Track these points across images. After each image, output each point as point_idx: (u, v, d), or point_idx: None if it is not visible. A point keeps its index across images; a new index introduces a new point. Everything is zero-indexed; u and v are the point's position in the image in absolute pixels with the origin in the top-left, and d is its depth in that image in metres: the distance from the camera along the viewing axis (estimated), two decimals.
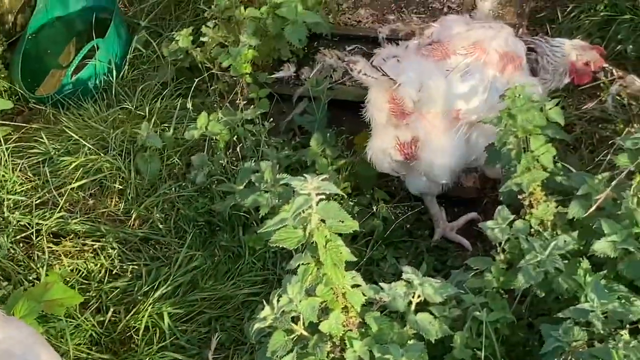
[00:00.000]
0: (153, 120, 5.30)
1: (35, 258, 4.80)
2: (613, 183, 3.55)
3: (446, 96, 4.23)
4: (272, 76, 5.21)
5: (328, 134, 4.78)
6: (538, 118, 3.63)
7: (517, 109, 3.62)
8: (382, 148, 4.39)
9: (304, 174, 3.22)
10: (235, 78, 5.18)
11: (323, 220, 3.20)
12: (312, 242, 3.22)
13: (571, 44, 4.42)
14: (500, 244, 3.57)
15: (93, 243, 4.88)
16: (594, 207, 3.53)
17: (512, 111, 3.62)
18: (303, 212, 3.16)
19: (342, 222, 3.22)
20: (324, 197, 3.17)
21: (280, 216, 3.22)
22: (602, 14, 5.37)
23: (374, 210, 4.64)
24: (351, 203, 4.61)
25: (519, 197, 3.66)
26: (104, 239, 4.88)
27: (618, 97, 4.58)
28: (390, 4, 5.50)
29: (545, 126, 3.73)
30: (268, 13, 5.14)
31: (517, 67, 4.30)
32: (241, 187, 4.36)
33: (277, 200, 4.08)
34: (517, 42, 4.35)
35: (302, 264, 3.26)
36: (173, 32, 5.67)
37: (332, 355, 3.35)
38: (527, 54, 4.38)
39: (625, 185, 3.58)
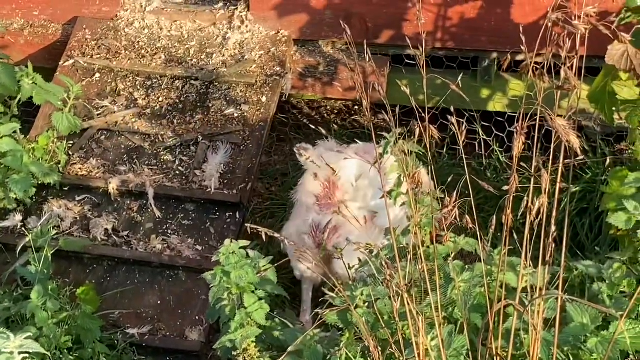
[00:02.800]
0: None
1: None
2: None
3: (372, 194, 4.56)
4: None
5: (50, 287, 4.68)
6: (251, 275, 3.71)
7: (230, 265, 3.68)
8: (299, 231, 4.74)
9: (20, 331, 3.13)
10: None
11: None
12: None
13: None
14: None
15: None
16: None
17: (226, 268, 3.68)
18: None
19: None
20: (27, 355, 3.08)
21: None
22: None
23: None
24: (71, 357, 4.49)
25: (234, 353, 3.69)
26: None
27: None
28: (122, 155, 5.52)
29: (261, 282, 3.81)
30: None
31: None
32: None
33: None
34: None
35: None
36: None
37: None
38: None
39: (337, 341, 3.70)
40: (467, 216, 2.83)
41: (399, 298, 2.92)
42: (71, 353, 4.55)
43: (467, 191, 3.08)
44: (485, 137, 5.84)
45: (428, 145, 2.86)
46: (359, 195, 4.73)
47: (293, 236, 4.73)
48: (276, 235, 2.81)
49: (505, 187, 2.65)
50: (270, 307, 3.87)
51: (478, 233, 2.91)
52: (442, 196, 3.47)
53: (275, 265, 3.95)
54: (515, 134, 2.50)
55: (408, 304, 2.86)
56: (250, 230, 2.96)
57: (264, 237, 2.87)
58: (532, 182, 2.57)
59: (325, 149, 4.88)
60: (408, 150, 3.42)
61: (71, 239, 5.09)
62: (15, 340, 3.04)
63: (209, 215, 5.26)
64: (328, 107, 6.71)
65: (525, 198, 2.56)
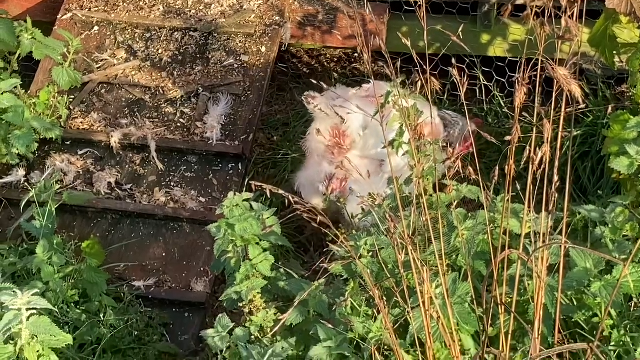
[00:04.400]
0: None
1: None
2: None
3: (378, 143, 4.55)
4: (0, 181, 5.10)
5: (55, 241, 4.70)
6: (255, 227, 3.72)
7: (235, 218, 3.70)
8: (311, 180, 4.80)
9: (27, 286, 3.16)
10: None
11: (35, 336, 3.14)
12: (24, 358, 3.14)
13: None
14: (221, 351, 3.61)
15: None
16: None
17: (230, 220, 3.70)
18: (13, 327, 3.09)
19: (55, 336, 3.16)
20: (34, 312, 3.11)
21: None
22: None
23: (102, 317, 4.57)
24: (78, 311, 4.52)
25: (240, 304, 3.72)
26: None
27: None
28: (123, 109, 5.51)
29: (265, 234, 3.83)
30: None
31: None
32: None
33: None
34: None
35: None
36: None
37: None
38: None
39: (342, 290, 3.72)
40: (470, 166, 2.84)
41: (403, 248, 2.93)
42: (78, 307, 4.58)
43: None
44: (485, 83, 5.83)
45: (429, 96, 2.85)
46: (366, 144, 4.75)
47: (306, 186, 4.77)
48: (280, 192, 2.82)
49: (508, 137, 2.65)
50: (275, 257, 3.89)
51: (481, 182, 2.92)
52: (445, 145, 3.49)
53: (280, 216, 3.97)
54: (516, 84, 2.50)
55: (412, 253, 2.88)
56: (255, 188, 2.96)
57: (268, 193, 2.87)
58: (534, 132, 2.57)
59: (332, 97, 4.88)
60: (409, 101, 3.42)
61: (75, 193, 5.10)
62: (22, 297, 3.06)
63: (212, 167, 5.27)
64: (328, 56, 6.68)
65: (528, 147, 2.57)
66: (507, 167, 2.64)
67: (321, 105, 4.78)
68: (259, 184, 2.79)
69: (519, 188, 2.81)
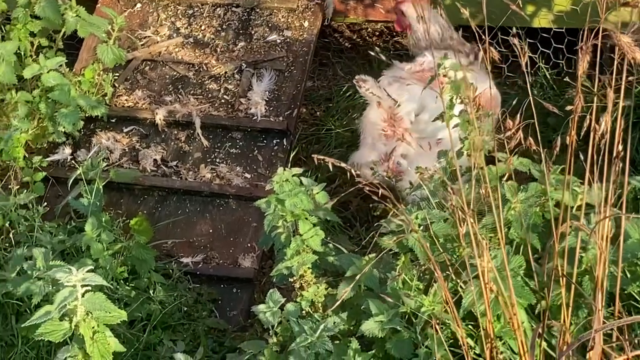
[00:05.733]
0: None
1: None
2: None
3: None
4: (47, 159, 5.13)
5: (104, 218, 4.72)
6: (306, 202, 3.71)
7: (285, 193, 3.69)
8: (367, 162, 4.78)
9: (77, 263, 3.17)
10: (7, 162, 5.05)
11: (90, 312, 3.16)
12: (79, 335, 3.16)
13: None
14: (272, 326, 3.61)
15: None
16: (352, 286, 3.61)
17: (280, 196, 3.69)
18: (68, 304, 3.11)
19: (109, 312, 3.18)
20: (89, 288, 3.13)
21: (45, 309, 3.16)
22: None
23: (151, 294, 4.60)
24: (128, 288, 4.55)
25: (290, 280, 3.72)
26: None
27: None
28: (167, 86, 5.52)
29: (315, 209, 3.83)
30: (40, 97, 5.07)
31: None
32: (13, 275, 4.24)
33: (50, 288, 3.99)
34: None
35: (69, 356, 3.20)
36: None
37: None
38: None
39: (392, 265, 3.71)
40: (530, 138, 2.81)
41: (463, 222, 2.91)
42: (127, 283, 4.61)
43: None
44: (531, 54, 5.77)
45: (488, 68, 2.82)
46: (421, 126, 4.73)
47: (362, 167, 4.76)
48: (343, 165, 2.80)
49: (569, 107, 2.61)
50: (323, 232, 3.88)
51: (543, 155, 2.88)
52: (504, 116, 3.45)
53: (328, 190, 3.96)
54: (579, 52, 2.46)
55: (472, 226, 2.85)
56: (317, 161, 2.94)
57: (330, 166, 2.85)
58: (595, 102, 2.54)
59: (392, 75, 4.87)
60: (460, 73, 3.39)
61: (121, 170, 5.12)
62: (77, 274, 3.08)
63: (256, 143, 5.27)
64: (369, 30, 6.64)
65: (588, 116, 2.53)
66: (568, 137, 2.61)
67: (372, 89, 4.75)
68: (322, 157, 2.76)
69: (582, 158, 2.78)
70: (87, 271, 3.12)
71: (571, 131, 2.55)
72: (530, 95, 2.78)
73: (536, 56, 5.79)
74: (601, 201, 3.10)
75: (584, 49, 2.35)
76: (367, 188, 2.87)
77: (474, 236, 2.95)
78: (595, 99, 2.55)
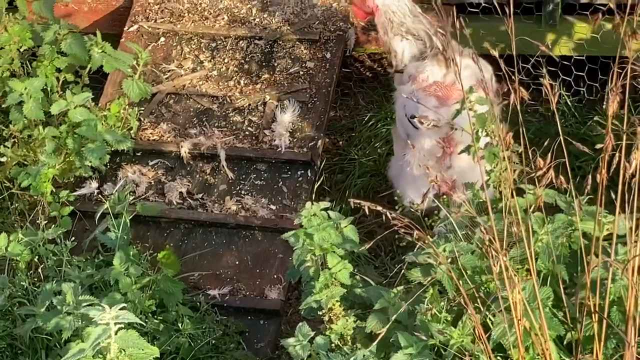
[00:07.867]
0: None
1: None
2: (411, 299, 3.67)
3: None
4: (74, 194, 5.18)
5: (131, 252, 4.76)
6: (334, 236, 3.74)
7: (313, 228, 3.72)
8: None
9: (106, 297, 3.21)
10: (35, 197, 5.11)
11: (123, 350, 3.19)
12: None
13: None
14: None
15: None
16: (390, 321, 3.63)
17: (309, 230, 3.72)
18: (102, 342, 3.14)
19: (142, 350, 3.21)
20: (122, 326, 3.16)
21: (78, 346, 3.19)
22: None
23: (180, 327, 4.63)
24: (156, 321, 4.58)
25: (319, 313, 3.74)
26: None
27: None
28: (192, 118, 5.57)
29: (342, 242, 3.85)
30: (67, 132, 5.13)
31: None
32: (42, 310, 4.28)
33: (80, 323, 4.02)
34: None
35: None
36: None
37: None
38: None
39: (420, 297, 3.73)
40: (561, 177, 2.83)
41: (497, 260, 2.92)
42: (155, 316, 4.64)
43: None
44: (551, 82, 5.78)
45: (518, 106, 2.85)
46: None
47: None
48: (379, 208, 2.83)
49: (599, 145, 2.64)
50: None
51: (573, 192, 2.91)
52: (519, 149, 3.47)
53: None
54: (609, 93, 2.48)
55: (505, 263, 2.87)
56: (355, 203, 2.96)
57: (366, 210, 2.88)
58: (624, 139, 2.57)
59: (414, 67, 4.99)
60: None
61: (148, 203, 5.17)
62: (110, 312, 3.11)
63: (281, 175, 5.31)
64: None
65: (617, 154, 2.56)
66: (599, 175, 2.64)
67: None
68: (358, 200, 2.79)
69: (612, 195, 2.80)
70: (120, 308, 3.15)
71: (601, 170, 2.58)
72: (561, 132, 2.80)
73: (557, 84, 5.81)
74: (631, 231, 3.11)
75: (614, 90, 2.38)
76: (403, 229, 2.88)
77: (505, 269, 2.96)
78: (624, 136, 2.58)
